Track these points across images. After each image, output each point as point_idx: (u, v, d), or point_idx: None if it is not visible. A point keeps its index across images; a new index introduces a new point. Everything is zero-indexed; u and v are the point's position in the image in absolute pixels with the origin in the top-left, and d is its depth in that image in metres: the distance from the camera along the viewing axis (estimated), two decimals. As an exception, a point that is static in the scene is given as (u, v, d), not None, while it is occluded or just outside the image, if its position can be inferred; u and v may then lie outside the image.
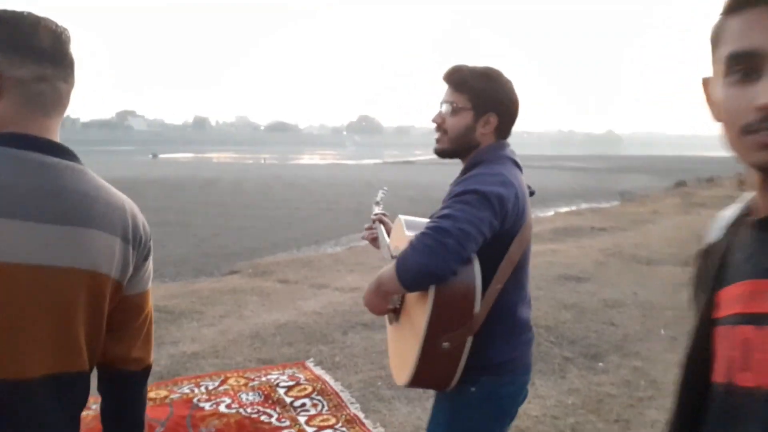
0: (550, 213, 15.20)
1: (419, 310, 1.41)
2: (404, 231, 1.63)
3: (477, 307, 1.38)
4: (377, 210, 2.05)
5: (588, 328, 4.34)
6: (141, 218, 1.12)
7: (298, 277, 6.46)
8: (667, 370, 3.76)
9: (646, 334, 4.42)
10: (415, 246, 1.32)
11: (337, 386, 3.49)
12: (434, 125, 1.59)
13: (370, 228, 1.97)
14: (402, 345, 1.54)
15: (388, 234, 1.89)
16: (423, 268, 1.31)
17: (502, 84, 1.55)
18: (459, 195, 1.38)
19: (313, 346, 4.16)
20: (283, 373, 3.69)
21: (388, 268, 1.42)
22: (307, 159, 58.50)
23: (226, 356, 3.99)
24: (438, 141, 1.59)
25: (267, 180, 24.12)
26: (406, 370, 1.43)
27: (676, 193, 18.91)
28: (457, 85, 1.54)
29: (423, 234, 1.33)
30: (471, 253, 1.35)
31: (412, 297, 1.48)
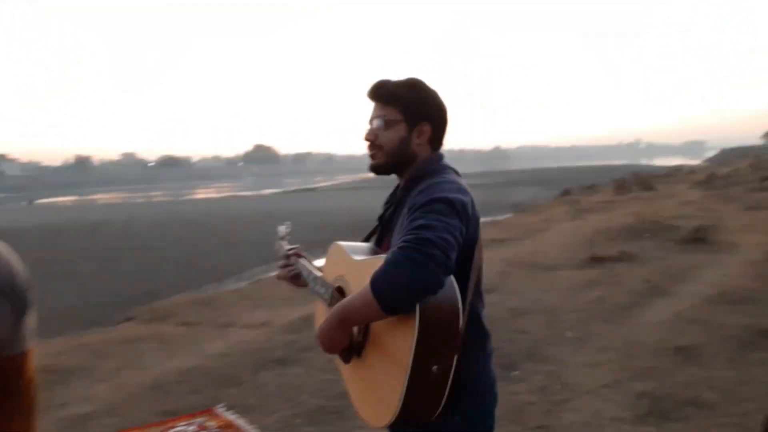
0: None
1: (398, 336, 1.26)
2: (350, 257, 1.50)
3: (462, 322, 1.27)
4: (286, 246, 1.90)
5: (499, 338, 4.36)
6: (17, 266, 0.99)
7: (201, 318, 6.09)
8: (576, 371, 3.88)
9: (553, 338, 4.56)
10: (396, 261, 1.20)
11: (252, 430, 3.26)
12: (366, 144, 1.53)
13: (286, 265, 1.81)
14: (374, 381, 1.36)
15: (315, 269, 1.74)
16: (412, 283, 1.18)
17: (429, 93, 1.53)
18: (426, 205, 1.30)
19: (222, 391, 3.89)
20: (190, 424, 3.40)
21: (355, 296, 1.27)
22: (202, 193, 56.43)
23: (124, 413, 3.63)
24: (373, 157, 1.53)
25: (160, 218, 22.86)
26: (389, 407, 1.27)
27: (563, 201, 20.16)
28: (386, 99, 1.51)
29: (403, 248, 1.21)
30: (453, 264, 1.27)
31: (382, 325, 1.31)
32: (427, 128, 1.50)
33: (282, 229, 2.01)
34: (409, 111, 1.49)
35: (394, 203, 1.55)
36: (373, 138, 1.51)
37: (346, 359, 1.45)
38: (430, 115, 1.51)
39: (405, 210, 1.40)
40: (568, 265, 7.36)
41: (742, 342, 4.18)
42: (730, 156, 78.33)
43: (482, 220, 1.49)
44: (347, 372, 1.49)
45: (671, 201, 15.39)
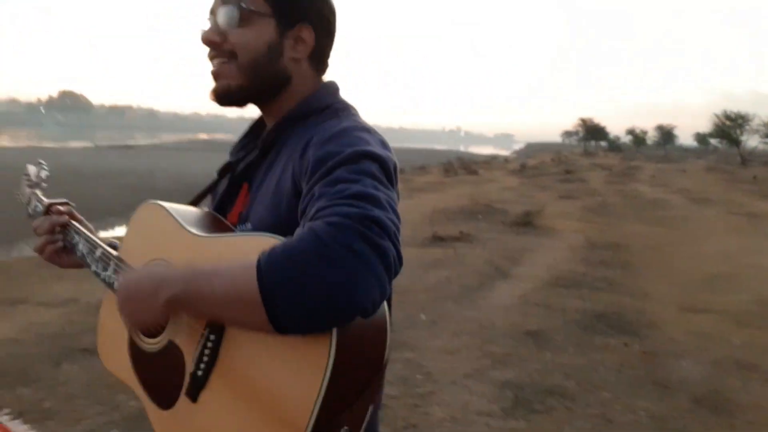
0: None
1: (287, 374, 0.69)
2: (182, 227, 0.87)
3: (387, 354, 0.73)
4: (43, 198, 1.18)
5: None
6: None
7: (-20, 292, 4.86)
8: (436, 358, 3.67)
9: (409, 321, 4.33)
10: (323, 247, 0.65)
11: (48, 446, 2.51)
12: (207, 49, 0.92)
13: (56, 223, 1.10)
14: None
15: (99, 238, 1.06)
16: (342, 292, 0.64)
17: None
18: (351, 161, 0.78)
19: (7, 391, 3.00)
20: (-44, 441, 2.53)
21: (210, 268, 0.72)
22: (-9, 140, 48.29)
23: None
24: (219, 74, 0.92)
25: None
26: None
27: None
28: None
29: (338, 225, 0.67)
30: None
31: (251, 344, 0.72)
32: (307, 34, 0.92)
33: (33, 170, 1.29)
34: (281, 3, 0.91)
35: (259, 150, 0.95)
36: (218, 40, 0.90)
37: (166, 401, 0.83)
38: (314, 13, 0.93)
39: (288, 163, 0.87)
40: (411, 243, 7.28)
41: (583, 326, 4.33)
42: (535, 149, 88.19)
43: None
44: (161, 425, 0.85)
45: (494, 186, 16.48)
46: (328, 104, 0.93)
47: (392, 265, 0.68)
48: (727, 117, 52.45)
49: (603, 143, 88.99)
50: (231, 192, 0.98)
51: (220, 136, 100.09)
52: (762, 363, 3.73)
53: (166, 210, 0.91)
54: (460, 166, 25.08)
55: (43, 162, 1.33)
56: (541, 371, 3.50)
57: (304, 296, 0.64)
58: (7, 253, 7.44)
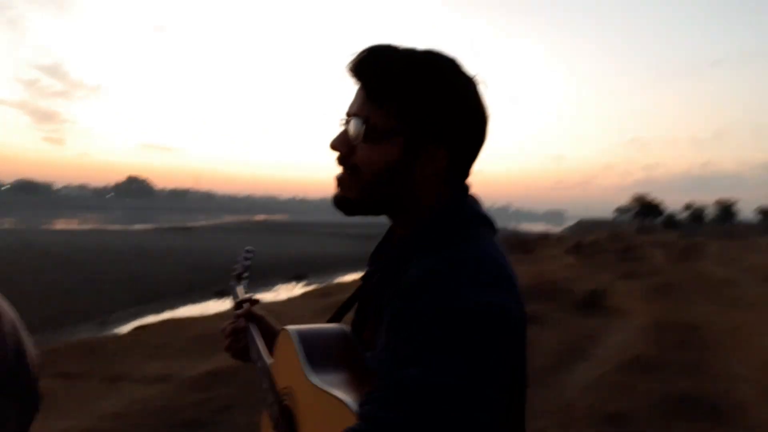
0: (346, 279, 15.45)
1: None
2: (302, 367, 0.89)
3: None
4: (241, 292, 1.30)
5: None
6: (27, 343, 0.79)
7: (83, 369, 5.22)
8: None
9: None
10: None
11: None
12: (334, 154, 0.89)
13: (237, 327, 1.19)
14: None
15: (270, 345, 1.11)
16: None
17: (457, 85, 0.85)
18: (426, 329, 0.70)
19: (123, 462, 3.24)
20: None
21: None
22: (63, 224, 51.46)
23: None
24: (339, 183, 0.89)
25: (13, 248, 20.30)
26: None
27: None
28: (378, 87, 0.84)
29: None
30: None
31: None
32: (441, 155, 0.84)
33: (240, 259, 1.42)
34: (413, 121, 0.83)
35: (384, 269, 0.90)
36: (344, 150, 0.87)
37: None
38: (451, 131, 0.84)
39: (393, 301, 0.79)
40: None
41: (665, 410, 4.27)
42: (587, 226, 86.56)
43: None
44: None
45: (553, 264, 16.32)
46: (451, 232, 0.82)
47: None
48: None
49: (659, 220, 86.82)
50: (363, 308, 0.97)
51: (276, 216, 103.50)
52: None
53: (294, 344, 0.93)
54: (516, 244, 24.97)
55: (250, 249, 1.44)
56: (629, 455, 3.49)
57: None
58: (99, 331, 7.91)
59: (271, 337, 1.11)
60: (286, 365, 0.96)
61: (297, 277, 15.88)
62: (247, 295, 1.28)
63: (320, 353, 0.91)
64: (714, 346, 6.51)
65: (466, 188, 0.89)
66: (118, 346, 6.41)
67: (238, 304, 1.25)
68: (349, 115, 0.86)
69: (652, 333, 7.02)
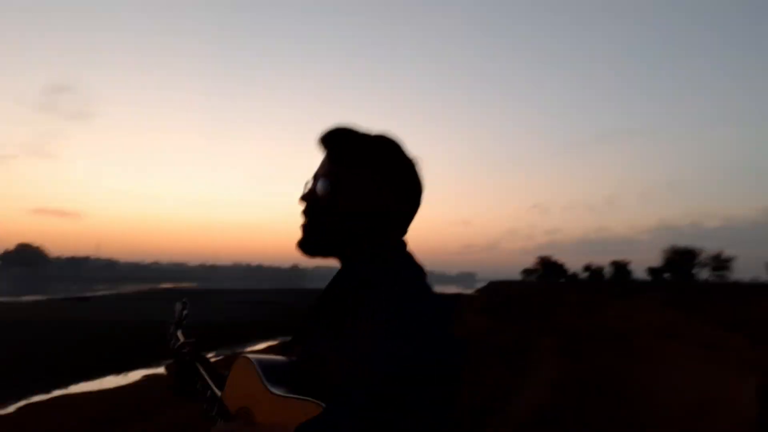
0: (257, 348, 14.84)
1: None
2: (262, 383, 1.01)
3: None
4: (181, 337, 1.37)
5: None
6: None
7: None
8: None
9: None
10: None
11: None
12: (301, 206, 1.09)
13: (178, 372, 1.28)
14: None
15: (215, 380, 1.22)
16: None
17: (406, 161, 1.09)
18: (369, 385, 0.84)
19: None
20: None
21: None
22: (-60, 297, 46.25)
23: None
24: (303, 230, 1.09)
25: None
26: None
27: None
28: (347, 155, 1.07)
29: None
30: None
31: None
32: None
33: (178, 308, 1.48)
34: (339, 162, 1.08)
35: (325, 303, 1.08)
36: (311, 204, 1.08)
37: None
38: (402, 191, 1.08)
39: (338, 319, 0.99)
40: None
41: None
42: (497, 287, 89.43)
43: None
44: None
45: (469, 324, 16.62)
46: (383, 275, 0.97)
47: None
48: (675, 252, 55.33)
49: (562, 280, 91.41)
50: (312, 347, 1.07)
51: (183, 284, 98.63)
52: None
53: (253, 365, 1.04)
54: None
55: (186, 300, 1.50)
56: None
57: None
58: None
59: (214, 375, 1.23)
60: (242, 387, 1.07)
61: (207, 349, 15.07)
62: (191, 339, 1.36)
63: (278, 372, 1.03)
64: (618, 399, 6.79)
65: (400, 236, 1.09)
66: (2, 428, 5.73)
67: (182, 346, 1.33)
68: (317, 176, 1.08)
69: (560, 388, 7.23)
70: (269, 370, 1.04)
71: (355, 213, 1.04)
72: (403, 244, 1.07)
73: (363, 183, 1.05)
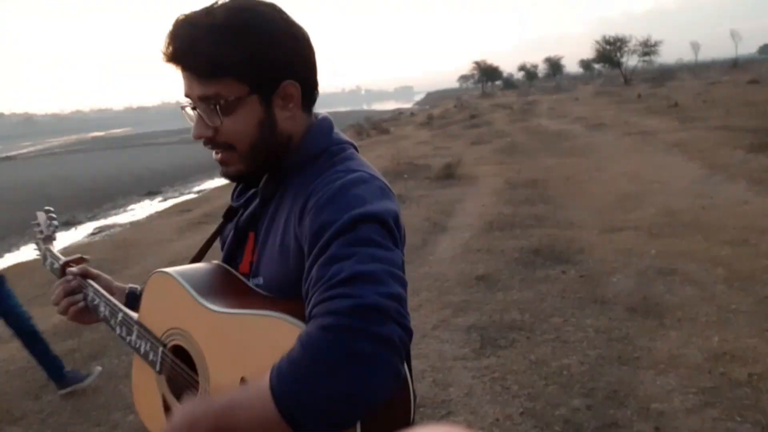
0: (204, 187, 14.79)
1: None
2: (195, 299, 0.86)
3: (413, 411, 0.80)
4: (58, 253, 1.23)
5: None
6: None
7: None
8: (402, 317, 3.95)
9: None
10: (324, 358, 0.67)
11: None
12: (201, 141, 0.92)
13: (69, 288, 1.12)
14: None
15: (124, 300, 1.11)
16: (355, 395, 0.67)
17: (274, 28, 0.88)
18: (346, 231, 0.77)
19: (-3, 433, 2.99)
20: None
21: (244, 400, 0.71)
22: None
23: None
24: (225, 162, 0.92)
25: None
26: None
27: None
28: (210, 71, 0.86)
29: (333, 328, 0.68)
30: None
31: None
32: (292, 88, 0.90)
33: (42, 218, 1.32)
34: (255, 75, 0.87)
35: (260, 199, 0.96)
36: (210, 135, 0.90)
37: None
38: (291, 63, 0.89)
39: (290, 218, 0.88)
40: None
41: (523, 263, 4.75)
42: (435, 98, 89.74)
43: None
44: None
45: (409, 142, 16.85)
46: (324, 148, 0.92)
47: (400, 347, 0.70)
48: (606, 42, 55.68)
49: (498, 82, 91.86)
50: (238, 241, 1.00)
51: (116, 131, 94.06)
52: (678, 267, 4.29)
53: (177, 280, 0.90)
54: (371, 127, 25.27)
55: (50, 209, 1.36)
56: (498, 310, 3.87)
57: (324, 412, 0.67)
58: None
59: (112, 294, 1.10)
60: (166, 307, 0.93)
61: (150, 194, 14.90)
62: (76, 256, 1.21)
63: (207, 286, 0.90)
64: (556, 196, 7.25)
65: (312, 106, 0.96)
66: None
67: (65, 265, 1.19)
68: (194, 98, 0.89)
69: (504, 194, 7.63)
70: (197, 283, 0.90)
71: (261, 122, 0.90)
72: (329, 123, 0.98)
73: (251, 86, 0.88)
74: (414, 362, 3.24)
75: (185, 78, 0.88)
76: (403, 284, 0.76)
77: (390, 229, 0.80)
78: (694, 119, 13.91)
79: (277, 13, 0.89)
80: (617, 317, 3.61)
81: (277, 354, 0.70)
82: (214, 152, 0.93)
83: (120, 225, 10.59)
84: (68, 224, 10.78)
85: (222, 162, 0.93)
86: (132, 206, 13.31)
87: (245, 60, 0.85)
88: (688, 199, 6.34)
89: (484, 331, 3.57)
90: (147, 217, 11.02)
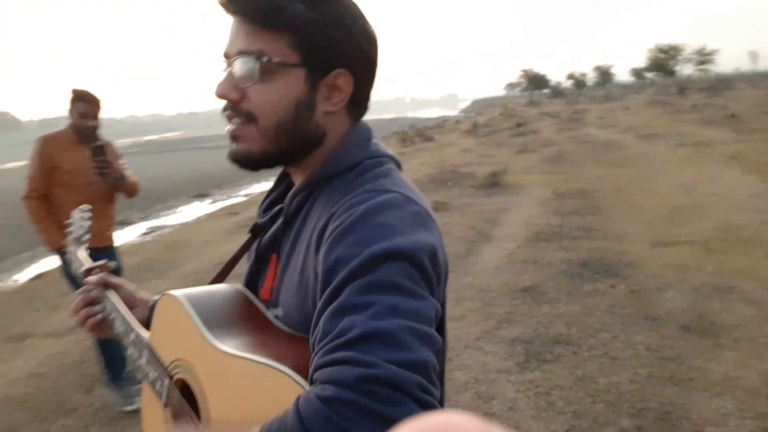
0: (252, 191, 15.08)
1: None
2: (201, 333, 0.76)
3: None
4: (85, 258, 1.15)
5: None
6: None
7: (-20, 332, 4.84)
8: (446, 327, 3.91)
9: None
10: None
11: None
12: (222, 105, 0.79)
13: (89, 299, 1.04)
14: None
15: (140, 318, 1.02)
16: None
17: (350, 8, 0.77)
18: (363, 272, 0.63)
19: (51, 424, 3.10)
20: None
21: None
22: None
23: None
24: (237, 136, 0.78)
25: None
26: None
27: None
28: (268, 14, 0.72)
29: (329, 405, 0.56)
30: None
31: None
32: (344, 81, 0.77)
33: (76, 218, 1.24)
34: (312, 46, 0.74)
35: (284, 217, 0.84)
36: (236, 97, 0.76)
37: None
38: (352, 54, 0.76)
39: (311, 242, 0.75)
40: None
41: (571, 275, 4.64)
42: (481, 105, 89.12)
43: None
44: None
45: (453, 149, 16.75)
46: (357, 162, 0.78)
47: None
48: (660, 50, 54.23)
49: (546, 91, 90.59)
50: (260, 262, 0.88)
51: (169, 135, 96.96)
52: (737, 284, 4.11)
53: (185, 308, 0.80)
54: (416, 134, 25.26)
55: (86, 207, 1.28)
56: (543, 323, 3.79)
57: None
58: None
59: (133, 307, 1.03)
60: (174, 335, 0.83)
61: (200, 196, 15.29)
62: (99, 262, 1.12)
63: (218, 317, 0.79)
64: (605, 207, 7.06)
65: (362, 117, 0.84)
66: (15, 299, 5.98)
67: (87, 272, 1.09)
68: (232, 55, 0.75)
69: (551, 204, 7.48)
70: (207, 312, 0.79)
71: (299, 101, 0.78)
72: (369, 133, 0.87)
73: (303, 56, 0.76)
74: (456, 373, 3.23)
75: (232, 31, 0.76)
76: (433, 345, 0.61)
77: (423, 269, 0.65)
78: (752, 131, 13.34)
79: (357, 6, 0.78)
80: (669, 335, 3.47)
81: (277, 409, 0.60)
82: (229, 124, 0.79)
83: (170, 226, 10.89)
84: (122, 224, 11.16)
85: (234, 136, 0.78)
86: (181, 208, 13.67)
87: (309, 22, 0.73)
88: (746, 213, 6.08)
89: (528, 344, 3.50)
90: (195, 219, 11.29)
